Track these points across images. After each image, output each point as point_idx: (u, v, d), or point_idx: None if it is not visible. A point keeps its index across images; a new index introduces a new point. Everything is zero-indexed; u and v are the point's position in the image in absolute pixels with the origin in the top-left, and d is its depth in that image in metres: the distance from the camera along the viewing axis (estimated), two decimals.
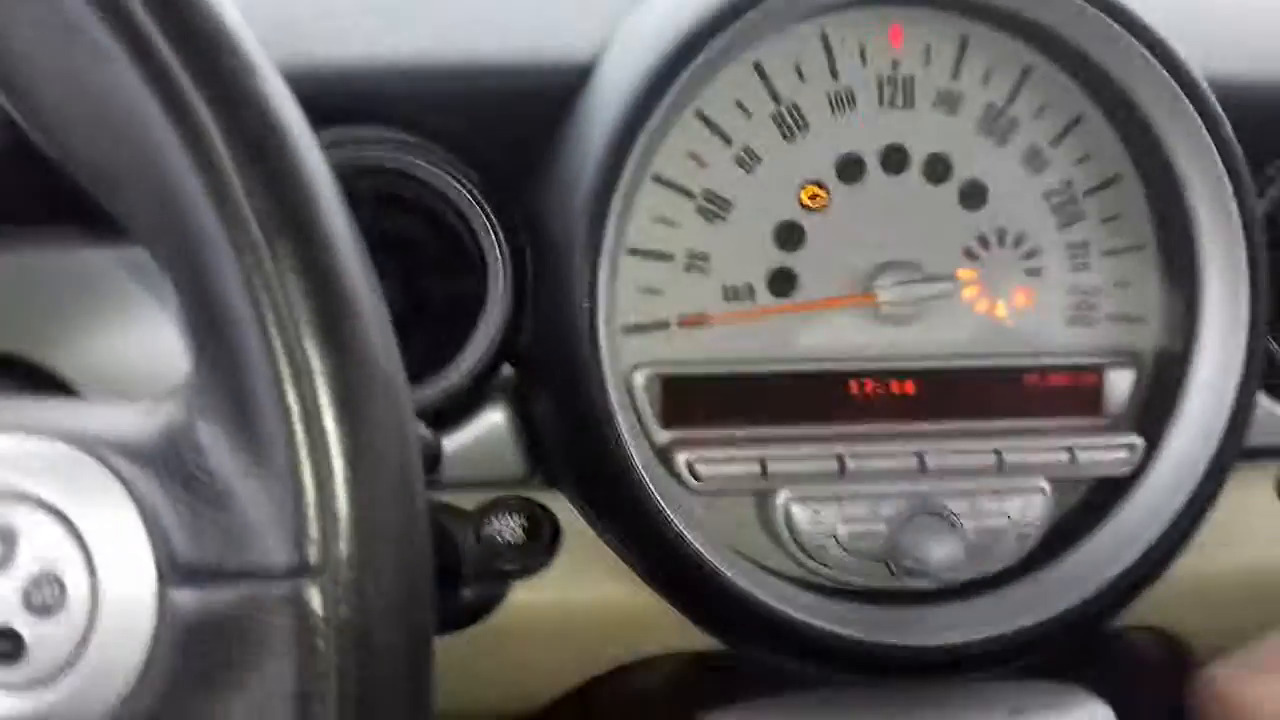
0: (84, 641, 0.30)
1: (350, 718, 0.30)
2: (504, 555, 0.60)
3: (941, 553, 0.58)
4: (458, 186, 0.59)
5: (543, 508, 0.61)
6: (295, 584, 0.30)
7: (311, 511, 0.30)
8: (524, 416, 0.61)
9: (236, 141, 0.30)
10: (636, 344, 0.60)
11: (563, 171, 0.58)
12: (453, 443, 0.60)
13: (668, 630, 0.61)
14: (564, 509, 0.61)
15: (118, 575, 0.30)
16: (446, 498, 0.61)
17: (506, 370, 0.62)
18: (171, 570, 0.30)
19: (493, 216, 0.59)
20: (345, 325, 0.31)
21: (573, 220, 0.57)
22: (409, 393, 0.33)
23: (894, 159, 0.62)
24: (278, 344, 0.30)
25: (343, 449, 0.30)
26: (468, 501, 0.61)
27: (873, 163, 0.61)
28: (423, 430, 0.45)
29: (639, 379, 0.60)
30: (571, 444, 0.59)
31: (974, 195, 0.62)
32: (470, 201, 0.59)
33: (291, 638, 0.30)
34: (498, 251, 0.59)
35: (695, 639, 0.61)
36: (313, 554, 0.30)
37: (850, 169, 0.61)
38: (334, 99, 0.60)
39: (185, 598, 0.30)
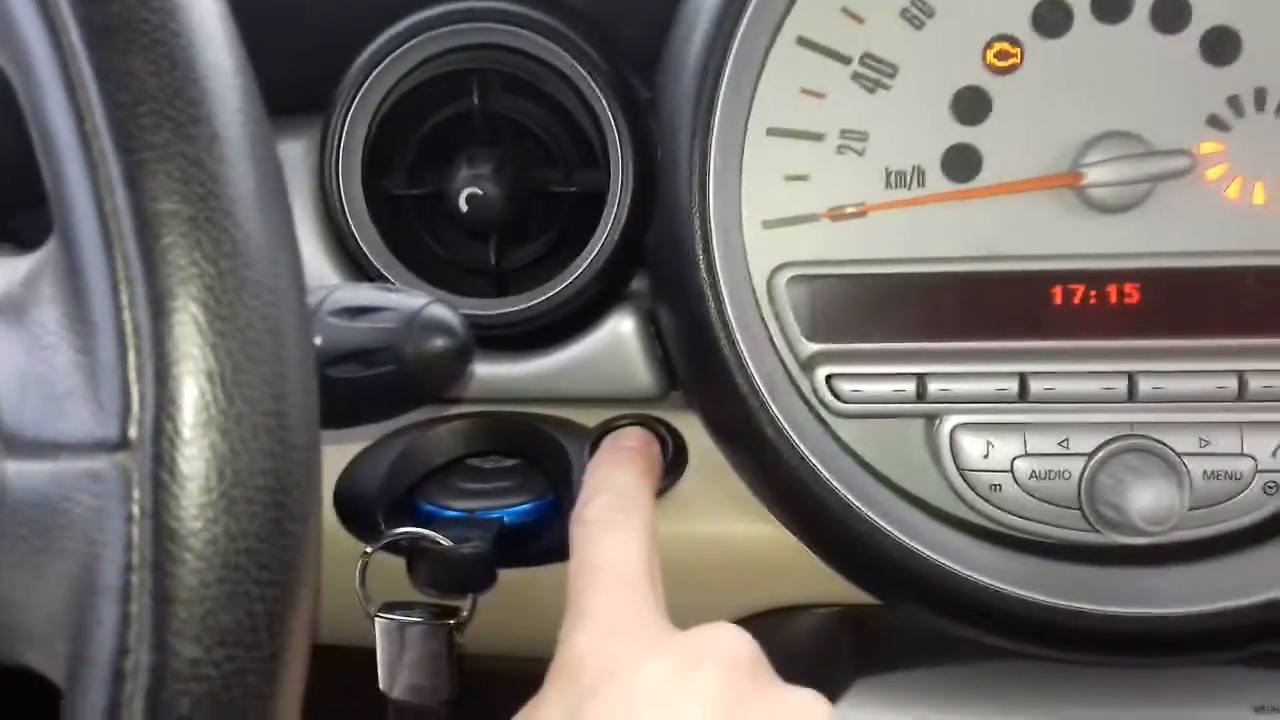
0: None
1: (174, 623, 0.24)
2: None
3: (1153, 500, 0.45)
4: (581, 69, 0.52)
5: (667, 427, 0.54)
6: (109, 460, 0.24)
7: (131, 372, 0.24)
8: (657, 327, 0.54)
9: None
10: (779, 241, 0.50)
11: (679, 39, 0.50)
12: (576, 352, 0.54)
13: (810, 578, 0.52)
14: (694, 431, 0.54)
15: None
16: (568, 413, 0.55)
17: (643, 278, 0.55)
18: (0, 439, 0.26)
19: (617, 102, 0.52)
20: (190, 146, 0.25)
21: (682, 93, 0.48)
22: (288, 230, 0.27)
23: (1110, 3, 0.49)
24: (102, 166, 0.25)
25: (175, 295, 0.25)
26: (589, 419, 0.55)
27: (1081, 9, 0.49)
28: (447, 316, 0.39)
29: (781, 281, 0.50)
30: (689, 358, 0.51)
31: (1221, 46, 0.48)
32: (594, 85, 0.52)
33: (103, 523, 0.24)
34: (621, 140, 0.52)
35: (842, 590, 0.51)
36: (130, 426, 0.24)
37: (1051, 18, 0.49)
38: None
39: (11, 471, 0.26)
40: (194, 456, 0.24)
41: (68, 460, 0.25)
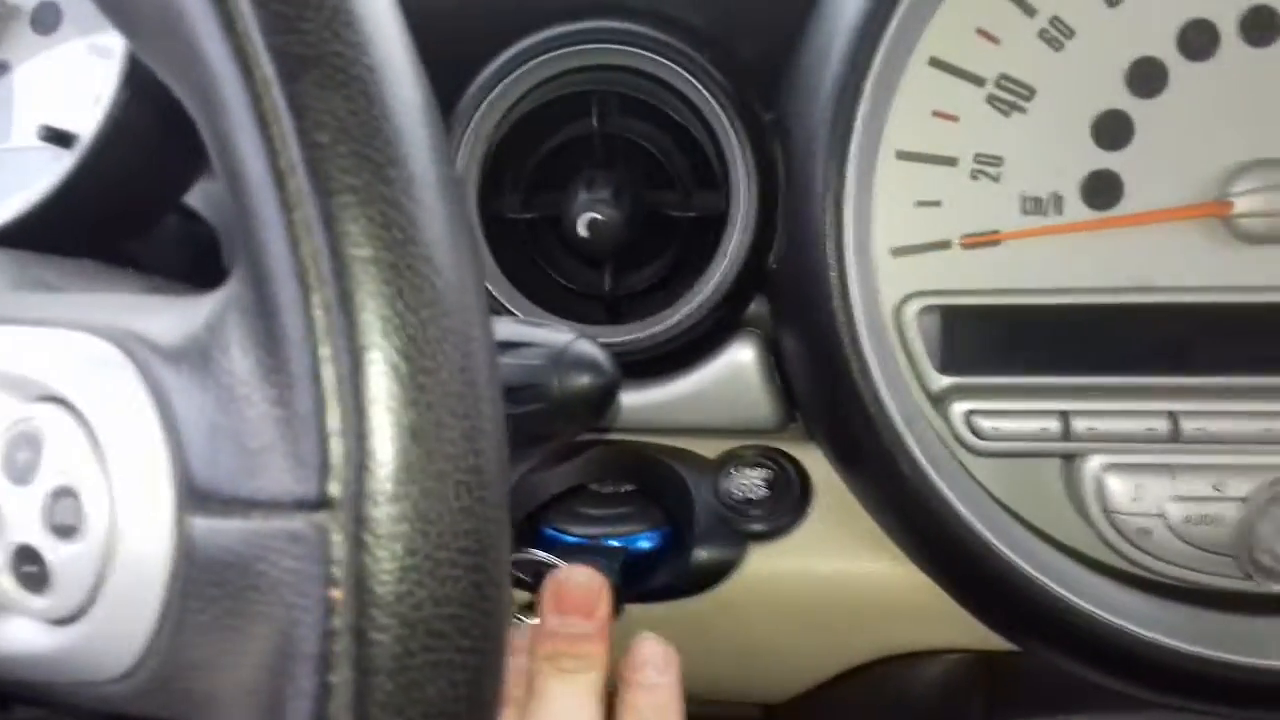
0: (105, 571, 0.26)
1: (378, 694, 0.23)
2: (743, 513, 0.51)
3: None
4: (702, 90, 0.51)
5: (792, 460, 0.52)
6: (308, 520, 0.23)
7: (331, 426, 0.23)
8: (778, 355, 0.53)
9: None
10: (909, 269, 0.49)
11: (811, 59, 0.48)
12: (694, 381, 0.53)
13: (939, 621, 0.50)
14: (818, 465, 0.52)
15: (135, 495, 0.25)
16: (685, 444, 0.54)
17: (760, 305, 0.53)
18: (189, 494, 0.25)
19: (739, 123, 0.51)
20: (389, 188, 0.24)
21: (817, 115, 0.47)
22: (479, 276, 0.26)
23: (1260, 23, 0.47)
24: (298, 208, 0.23)
25: (377, 346, 0.23)
26: (709, 449, 0.53)
27: (1229, 30, 0.47)
28: (595, 353, 0.38)
29: (910, 311, 0.49)
30: (818, 389, 0.49)
31: None
32: (715, 106, 0.51)
33: (302, 586, 0.23)
34: (743, 162, 0.51)
35: (974, 633, 0.49)
36: (331, 483, 0.23)
37: (1198, 40, 0.47)
38: None
39: (201, 528, 0.25)
40: (397, 517, 0.23)
41: (261, 519, 0.24)
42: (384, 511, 0.23)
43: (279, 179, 0.24)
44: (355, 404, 0.23)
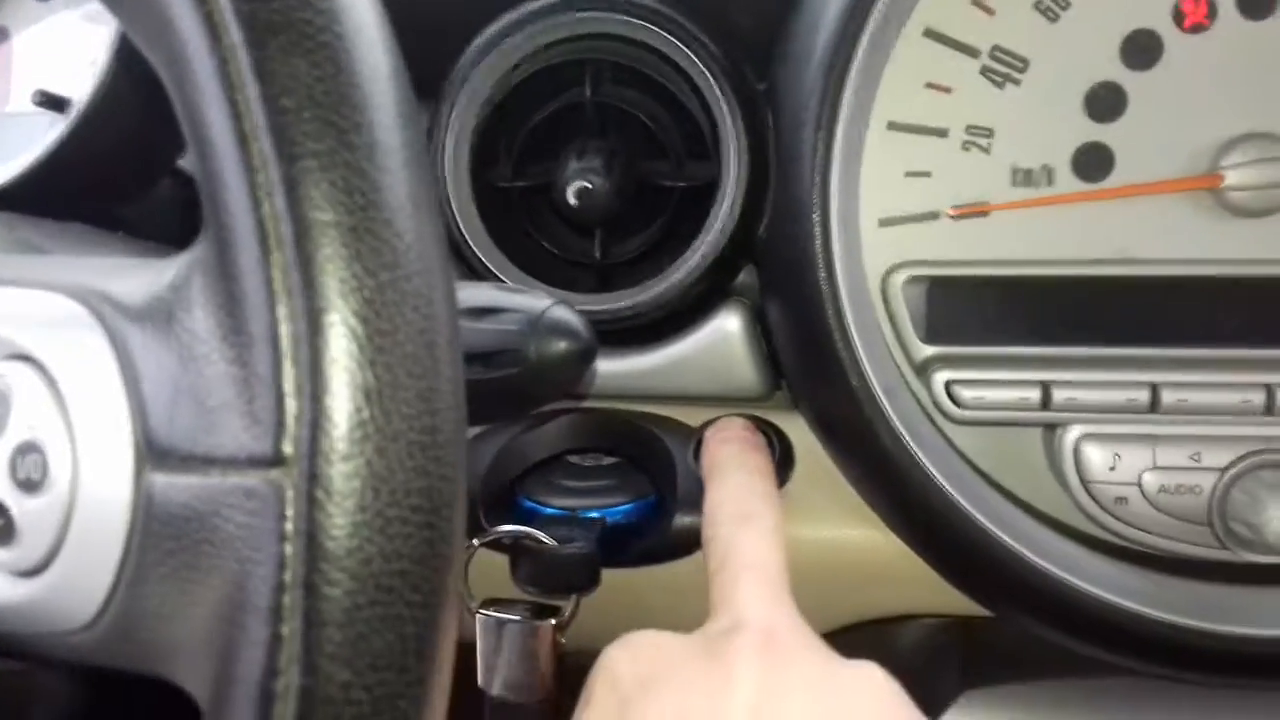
0: (68, 524, 0.26)
1: (326, 646, 0.23)
2: None
3: None
4: (695, 59, 0.51)
5: (774, 428, 0.52)
6: (263, 476, 0.24)
7: (287, 386, 0.23)
8: (764, 325, 0.53)
9: None
10: (896, 239, 0.49)
11: (803, 28, 0.48)
12: (681, 349, 0.53)
13: (918, 587, 0.50)
14: (802, 433, 0.52)
15: (97, 451, 0.26)
16: (669, 411, 0.54)
17: (749, 274, 0.53)
18: (148, 450, 0.26)
19: (731, 92, 0.50)
20: (351, 154, 0.24)
21: (807, 85, 0.47)
22: (442, 241, 0.26)
23: None
24: (261, 171, 0.24)
25: (335, 308, 0.24)
26: (693, 417, 0.54)
27: (1226, 3, 0.46)
28: (571, 319, 0.38)
29: (897, 281, 0.49)
30: (801, 358, 0.49)
31: None
32: (708, 76, 0.51)
33: (255, 541, 0.24)
34: (734, 132, 0.51)
35: (951, 599, 0.50)
36: (285, 442, 0.23)
37: (1194, 12, 0.47)
38: None
39: (160, 483, 0.25)
40: (349, 474, 0.24)
41: (219, 475, 0.24)
42: (337, 470, 0.24)
43: (243, 142, 0.24)
44: (312, 364, 0.24)
